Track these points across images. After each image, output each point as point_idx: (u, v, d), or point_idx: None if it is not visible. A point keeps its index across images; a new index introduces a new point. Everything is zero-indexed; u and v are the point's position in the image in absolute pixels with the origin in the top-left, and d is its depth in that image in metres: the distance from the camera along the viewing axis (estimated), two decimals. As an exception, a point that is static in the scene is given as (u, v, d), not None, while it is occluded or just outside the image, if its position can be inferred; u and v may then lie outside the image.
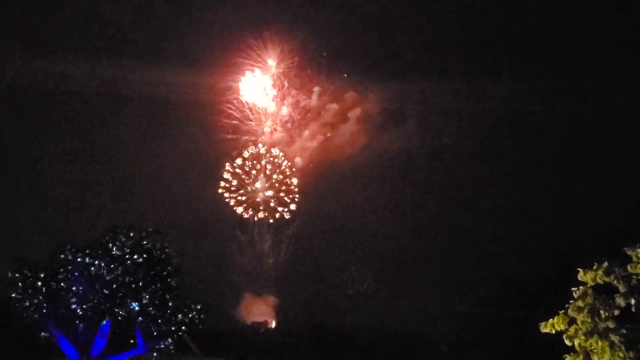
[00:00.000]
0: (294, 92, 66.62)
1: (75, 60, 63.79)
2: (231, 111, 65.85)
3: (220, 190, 66.84)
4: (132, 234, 24.95)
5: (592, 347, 14.11)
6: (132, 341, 25.24)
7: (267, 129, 67.46)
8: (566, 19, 66.80)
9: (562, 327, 14.83)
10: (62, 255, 24.24)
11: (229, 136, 66.40)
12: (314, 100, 67.17)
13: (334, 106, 68.48)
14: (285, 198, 67.19)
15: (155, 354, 25.25)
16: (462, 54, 69.34)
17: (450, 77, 67.48)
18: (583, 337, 14.28)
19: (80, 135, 68.72)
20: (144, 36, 66.37)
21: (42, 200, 65.38)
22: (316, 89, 67.24)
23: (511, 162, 67.81)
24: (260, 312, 65.82)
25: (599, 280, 14.57)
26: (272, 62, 65.80)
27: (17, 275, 23.81)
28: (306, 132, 67.99)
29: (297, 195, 67.47)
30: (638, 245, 14.19)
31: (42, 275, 23.84)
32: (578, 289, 14.78)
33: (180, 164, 67.67)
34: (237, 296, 66.90)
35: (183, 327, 24.82)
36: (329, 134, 68.68)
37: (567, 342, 14.69)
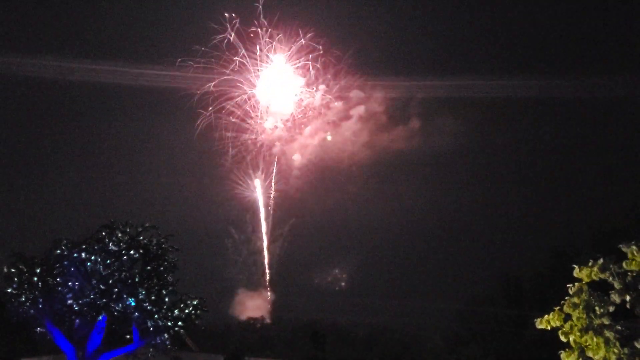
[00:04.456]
0: (298, 89, 66.44)
1: (75, 55, 63.65)
2: (233, 109, 65.64)
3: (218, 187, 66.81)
4: (128, 230, 24.94)
5: (587, 344, 14.13)
6: (128, 337, 25.24)
7: (268, 126, 67.28)
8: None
9: (558, 324, 14.85)
10: (58, 251, 24.22)
11: (229, 134, 66.21)
12: (317, 98, 66.95)
13: (338, 104, 68.30)
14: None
15: (151, 350, 25.23)
16: (466, 54, 69.48)
17: (452, 77, 67.56)
18: (578, 334, 14.31)
19: (77, 131, 68.62)
20: (140, 28, 66.21)
21: (39, 195, 65.29)
22: (321, 87, 66.99)
23: (507, 160, 67.98)
24: (256, 307, 65.89)
25: (594, 277, 14.58)
26: (278, 58, 65.54)
27: (13, 270, 23.79)
28: (307, 130, 67.84)
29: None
30: (633, 242, 14.19)
31: (38, 271, 23.83)
32: (573, 286, 14.80)
33: (178, 161, 67.68)
34: (234, 292, 66.98)
35: (179, 323, 24.81)
36: (329, 133, 68.55)
37: (563, 338, 14.72)
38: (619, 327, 13.88)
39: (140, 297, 23.97)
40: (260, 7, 63.68)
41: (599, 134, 64.30)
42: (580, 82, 61.98)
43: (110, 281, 23.74)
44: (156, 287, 24.46)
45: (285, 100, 67.05)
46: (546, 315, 15.13)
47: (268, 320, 64.17)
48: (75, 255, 23.99)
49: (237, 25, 63.57)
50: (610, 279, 14.41)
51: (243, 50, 64.34)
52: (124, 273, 24.04)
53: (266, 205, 68.48)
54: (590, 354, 14.07)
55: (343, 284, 68.36)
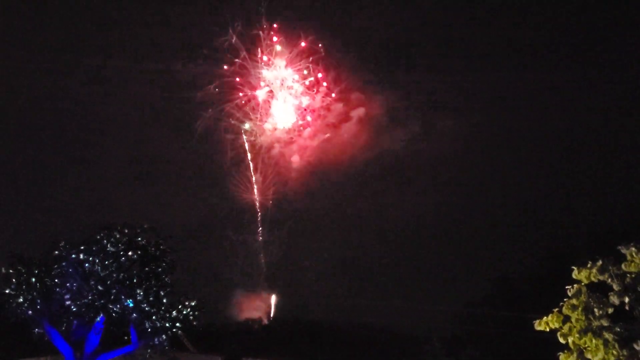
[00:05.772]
0: (299, 91, 66.34)
1: (71, 58, 63.54)
2: (232, 110, 65.56)
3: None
4: (126, 231, 24.90)
5: (586, 345, 14.15)
6: (126, 338, 25.20)
7: (268, 126, 67.15)
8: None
9: (557, 325, 14.88)
10: (57, 252, 24.16)
11: (228, 136, 66.11)
12: (317, 100, 66.81)
13: (339, 106, 68.16)
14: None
15: (149, 351, 25.18)
16: (466, 54, 69.44)
17: (451, 78, 67.56)
18: (577, 335, 14.33)
19: (75, 131, 68.48)
20: (139, 27, 66.08)
21: (37, 197, 65.13)
22: (322, 88, 66.84)
23: (504, 161, 67.91)
24: (254, 309, 65.81)
25: (593, 279, 14.62)
26: (279, 61, 65.47)
27: (11, 271, 23.74)
28: (306, 132, 67.71)
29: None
30: (632, 243, 14.23)
31: (37, 272, 23.77)
32: (572, 287, 14.83)
33: (177, 162, 67.54)
34: (232, 293, 66.86)
35: (177, 324, 24.77)
36: (328, 134, 68.43)
37: (562, 340, 14.75)
38: (618, 329, 13.90)
39: (139, 298, 23.93)
40: (263, 10, 63.73)
41: (598, 134, 64.28)
42: (579, 82, 62.03)
43: (109, 282, 23.69)
44: (154, 288, 24.41)
45: (285, 102, 67.04)
46: (545, 317, 15.16)
47: (266, 322, 64.10)
48: (73, 256, 23.93)
49: (239, 27, 63.59)
50: (609, 280, 14.44)
51: (244, 53, 64.37)
52: (122, 274, 23.98)
53: (264, 207, 68.42)
54: (589, 355, 14.09)
55: (341, 285, 68.23)
